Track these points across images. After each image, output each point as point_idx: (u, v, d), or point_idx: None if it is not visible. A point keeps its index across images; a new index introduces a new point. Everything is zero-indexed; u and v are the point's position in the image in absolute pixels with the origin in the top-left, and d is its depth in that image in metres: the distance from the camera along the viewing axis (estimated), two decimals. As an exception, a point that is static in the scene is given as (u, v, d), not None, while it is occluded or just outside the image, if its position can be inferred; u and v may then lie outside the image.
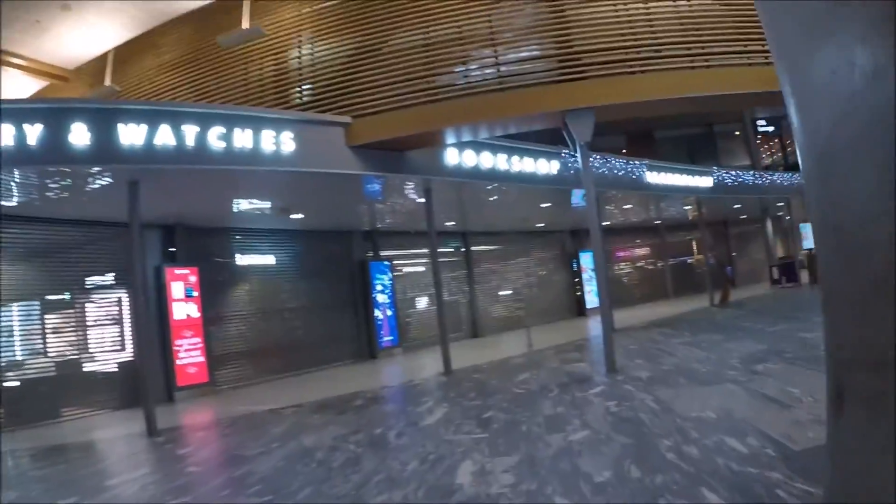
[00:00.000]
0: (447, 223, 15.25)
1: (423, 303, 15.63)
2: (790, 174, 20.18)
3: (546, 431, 5.24)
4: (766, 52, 8.73)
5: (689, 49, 8.90)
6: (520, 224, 17.39)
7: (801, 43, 1.83)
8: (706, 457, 3.93)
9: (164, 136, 7.30)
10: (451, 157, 10.11)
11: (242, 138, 7.83)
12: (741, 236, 25.55)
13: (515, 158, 11.21)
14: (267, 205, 10.67)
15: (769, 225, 22.59)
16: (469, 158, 10.35)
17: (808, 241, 21.19)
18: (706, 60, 8.95)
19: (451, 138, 9.57)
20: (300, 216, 11.84)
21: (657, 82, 8.64)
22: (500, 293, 17.95)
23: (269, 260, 12.93)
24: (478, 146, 10.46)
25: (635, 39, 8.95)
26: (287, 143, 8.18)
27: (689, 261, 24.16)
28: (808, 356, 7.17)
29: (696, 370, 7.28)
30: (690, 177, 16.64)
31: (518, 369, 9.38)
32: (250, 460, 5.47)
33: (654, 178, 15.24)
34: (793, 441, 4.01)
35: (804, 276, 19.96)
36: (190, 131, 7.47)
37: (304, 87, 9.68)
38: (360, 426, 6.48)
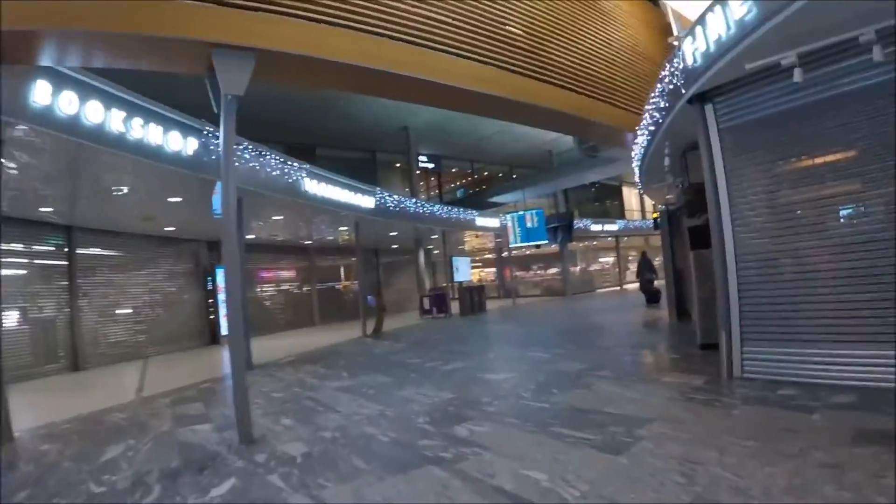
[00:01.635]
0: (43, 209, 10.42)
1: (10, 320, 10.44)
2: (448, 208, 20.45)
3: None
4: (482, 49, 7.71)
5: (386, 17, 7.02)
6: (146, 225, 13.20)
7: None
8: None
9: None
10: (42, 94, 6.30)
11: None
12: (392, 266, 25.35)
13: (138, 120, 7.59)
14: None
15: (421, 256, 22.67)
16: (68, 103, 6.59)
17: (460, 274, 21.83)
18: (410, 36, 7.16)
19: (47, 56, 5.75)
20: None
21: (346, 42, 6.62)
22: (118, 312, 13.35)
23: None
24: (85, 90, 6.79)
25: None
26: None
27: (338, 287, 22.77)
28: (518, 410, 5.43)
29: (374, 438, 4.86)
30: (352, 193, 14.94)
31: (111, 435, 5.78)
32: None
33: (313, 187, 12.95)
34: None
35: (454, 307, 20.24)
36: None
37: None
38: None
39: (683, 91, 5.67)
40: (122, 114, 7.33)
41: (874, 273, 4.75)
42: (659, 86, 6.54)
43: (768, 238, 5.34)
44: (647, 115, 7.44)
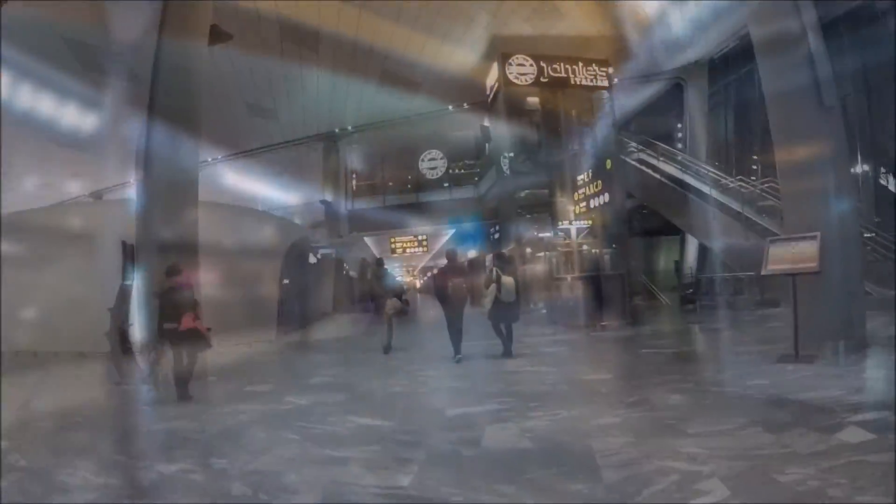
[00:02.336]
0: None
1: None
2: (379, 211, 19.69)
3: None
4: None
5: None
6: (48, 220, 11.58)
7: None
8: None
9: None
10: None
11: None
12: (321, 270, 24.07)
13: (27, 88, 6.39)
14: None
15: (352, 260, 21.64)
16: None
17: (389, 280, 20.85)
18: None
19: None
20: None
21: None
22: (20, 318, 11.60)
23: None
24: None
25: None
26: None
27: (262, 292, 21.27)
28: (480, 446, 4.45)
29: (291, 498, 3.70)
30: (280, 194, 14.01)
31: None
32: None
33: (237, 185, 11.92)
34: None
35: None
36: None
37: None
38: None
39: (661, 68, 4.93)
40: (10, 75, 6.07)
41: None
42: (626, 67, 5.80)
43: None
44: (606, 101, 6.73)
